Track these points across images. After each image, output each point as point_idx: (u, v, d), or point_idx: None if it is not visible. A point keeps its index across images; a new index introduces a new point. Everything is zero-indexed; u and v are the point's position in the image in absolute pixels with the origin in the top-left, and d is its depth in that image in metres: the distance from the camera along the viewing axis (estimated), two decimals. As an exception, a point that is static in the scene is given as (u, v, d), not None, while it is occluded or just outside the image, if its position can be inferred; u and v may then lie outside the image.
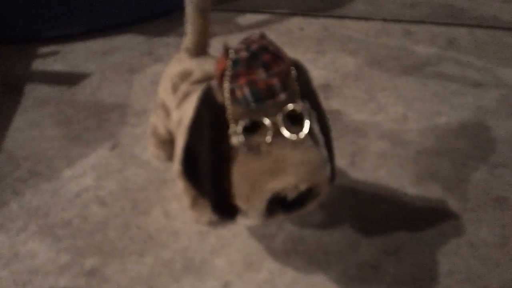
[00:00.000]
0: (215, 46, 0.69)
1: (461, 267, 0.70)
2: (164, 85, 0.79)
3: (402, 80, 1.14)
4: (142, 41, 1.37)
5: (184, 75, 0.75)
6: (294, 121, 0.56)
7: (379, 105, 1.05)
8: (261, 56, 0.54)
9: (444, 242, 0.73)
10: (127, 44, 1.36)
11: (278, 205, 0.56)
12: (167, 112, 0.80)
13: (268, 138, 0.54)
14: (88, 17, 1.41)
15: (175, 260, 0.72)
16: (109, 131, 1.00)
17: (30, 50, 1.35)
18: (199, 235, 0.76)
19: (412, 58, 1.24)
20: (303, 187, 0.54)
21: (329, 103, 1.06)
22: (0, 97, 1.14)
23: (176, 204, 0.81)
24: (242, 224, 0.77)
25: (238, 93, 0.55)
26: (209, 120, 0.57)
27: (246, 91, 0.54)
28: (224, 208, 0.62)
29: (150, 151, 0.91)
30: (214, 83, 0.58)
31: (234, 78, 0.55)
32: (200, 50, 0.78)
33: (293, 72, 0.57)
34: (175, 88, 0.76)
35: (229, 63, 0.55)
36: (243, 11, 1.56)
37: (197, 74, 0.74)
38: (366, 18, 1.47)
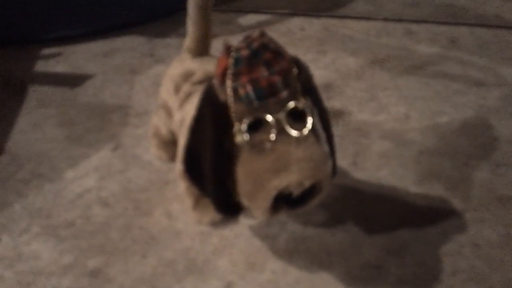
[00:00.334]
0: (217, 46, 0.69)
1: (465, 267, 0.69)
2: (166, 86, 0.79)
3: (403, 79, 1.14)
4: (143, 42, 1.38)
5: (186, 76, 0.75)
6: (296, 118, 0.56)
7: (381, 104, 1.05)
8: (262, 54, 0.54)
9: (447, 241, 0.73)
10: (128, 45, 1.36)
11: (282, 202, 0.56)
12: (169, 113, 0.80)
13: (272, 136, 0.54)
14: (89, 19, 1.41)
15: (177, 261, 0.72)
16: (111, 132, 1.00)
17: (32, 51, 1.35)
18: (201, 235, 0.76)
19: (413, 58, 1.23)
20: (307, 183, 0.54)
21: (330, 103, 1.06)
22: (3, 99, 1.15)
23: (178, 205, 0.81)
24: (244, 224, 0.77)
25: (241, 92, 0.55)
26: (211, 118, 0.57)
27: (249, 89, 0.54)
28: (227, 207, 0.62)
29: (152, 152, 0.91)
30: (215, 81, 0.58)
31: (236, 76, 0.55)
32: (201, 50, 0.78)
33: (294, 69, 0.57)
34: (177, 89, 0.76)
35: (230, 61, 0.55)
36: (244, 11, 1.56)
37: (199, 75, 0.74)
38: (367, 18, 1.47)
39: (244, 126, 0.55)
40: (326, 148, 0.60)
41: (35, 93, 1.16)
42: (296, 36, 1.37)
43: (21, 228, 0.79)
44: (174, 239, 0.76)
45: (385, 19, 1.45)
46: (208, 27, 0.77)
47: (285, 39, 1.35)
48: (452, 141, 0.94)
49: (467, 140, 0.94)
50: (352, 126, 0.99)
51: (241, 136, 0.55)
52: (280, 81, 0.55)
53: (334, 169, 0.66)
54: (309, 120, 0.56)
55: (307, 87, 0.59)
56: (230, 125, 0.56)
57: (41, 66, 1.28)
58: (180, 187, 0.76)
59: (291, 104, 0.55)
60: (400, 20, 1.44)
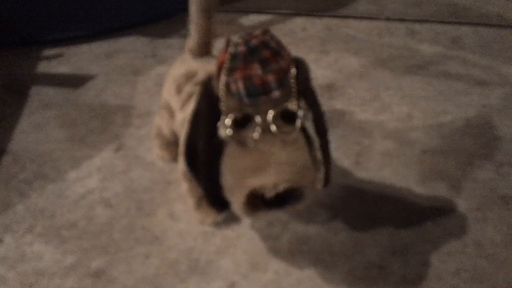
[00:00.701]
0: (219, 47, 0.69)
1: (468, 266, 0.69)
2: (168, 87, 0.79)
3: (406, 79, 1.14)
4: (145, 43, 1.38)
5: (188, 76, 0.75)
6: (288, 120, 0.55)
7: (384, 104, 1.05)
8: (260, 52, 0.54)
9: (450, 241, 0.73)
10: (130, 46, 1.36)
11: (260, 201, 0.55)
12: (171, 113, 0.80)
13: (256, 134, 0.54)
14: (91, 20, 1.41)
15: (180, 261, 0.72)
16: (113, 133, 1.00)
17: (35, 52, 1.35)
18: (204, 236, 0.76)
19: (416, 57, 1.23)
20: (282, 187, 0.53)
21: (333, 103, 1.06)
22: (5, 100, 1.15)
23: (181, 205, 0.81)
24: (247, 224, 0.77)
25: (233, 87, 0.55)
26: (206, 111, 0.57)
27: (241, 85, 0.54)
28: (218, 199, 0.61)
29: (155, 153, 0.91)
30: (214, 75, 0.58)
31: (231, 71, 0.55)
32: (203, 50, 0.78)
33: (293, 70, 0.56)
34: (179, 89, 0.76)
35: (228, 56, 0.55)
36: (246, 11, 1.56)
37: (201, 75, 0.74)
38: (370, 18, 1.46)
39: (228, 121, 0.55)
40: (317, 154, 0.59)
41: (38, 94, 1.16)
42: (298, 36, 1.37)
43: (23, 229, 0.79)
44: (177, 240, 0.75)
45: (388, 19, 1.45)
46: (210, 28, 0.77)
47: (287, 39, 1.35)
48: (455, 141, 0.93)
49: (470, 139, 0.94)
50: (355, 125, 0.99)
51: (224, 130, 0.55)
52: (273, 81, 0.54)
53: (327, 177, 0.65)
54: (298, 123, 0.55)
55: (304, 89, 0.58)
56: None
57: (43, 67, 1.29)
58: (182, 187, 0.76)
59: (283, 105, 0.55)
60: (402, 20, 1.44)
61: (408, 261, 0.70)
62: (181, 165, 0.72)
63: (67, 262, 0.73)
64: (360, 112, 1.03)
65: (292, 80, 0.56)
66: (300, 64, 0.57)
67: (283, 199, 0.55)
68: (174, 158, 0.87)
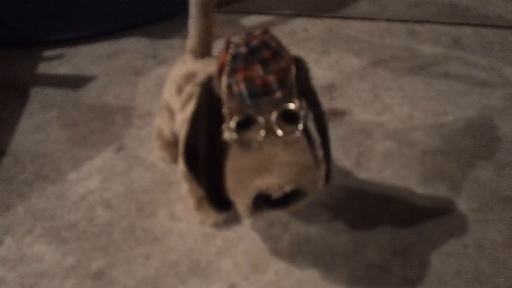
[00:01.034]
0: (219, 47, 0.69)
1: (469, 268, 0.69)
2: (168, 87, 0.79)
3: (407, 80, 1.14)
4: (146, 43, 1.38)
5: (188, 77, 0.75)
6: (289, 120, 0.55)
7: (385, 105, 1.05)
8: (260, 52, 0.54)
9: (451, 242, 0.73)
10: (131, 47, 1.36)
11: (264, 201, 0.55)
12: (172, 114, 0.80)
13: (260, 136, 0.54)
14: (92, 21, 1.41)
15: (181, 262, 0.72)
16: (114, 134, 1.00)
17: (35, 53, 1.36)
18: (204, 236, 0.76)
19: (417, 58, 1.23)
20: (287, 188, 0.53)
21: (334, 104, 1.06)
22: (6, 101, 1.15)
23: (181, 206, 0.81)
24: (247, 225, 0.77)
25: (235, 88, 0.55)
26: (207, 112, 0.57)
27: (242, 86, 0.54)
28: (219, 200, 0.61)
29: (155, 153, 0.91)
30: (215, 76, 0.58)
31: (232, 72, 0.55)
32: (204, 51, 0.78)
33: (293, 70, 0.56)
34: (179, 90, 0.76)
35: (228, 57, 0.55)
36: (247, 12, 1.56)
37: (201, 76, 0.74)
38: (371, 18, 1.46)
39: (232, 124, 0.55)
40: (318, 153, 0.59)
41: (38, 95, 1.16)
42: (299, 36, 1.37)
43: (24, 230, 0.79)
44: (177, 240, 0.75)
45: (389, 20, 1.45)
46: (211, 29, 0.77)
47: (288, 40, 1.35)
48: (456, 141, 0.93)
49: (471, 140, 0.93)
50: (356, 126, 0.99)
51: (229, 133, 0.55)
52: (275, 81, 0.54)
53: (328, 175, 0.65)
54: (300, 124, 0.55)
55: (304, 89, 0.58)
56: (223, 120, 0.56)
57: (44, 68, 1.29)
58: (183, 188, 0.76)
59: (285, 105, 0.55)
60: (403, 21, 1.44)
61: (409, 261, 0.70)
62: (181, 165, 0.72)
63: (67, 263, 0.73)
64: (361, 113, 1.03)
65: (293, 80, 0.56)
66: (300, 64, 0.58)
67: (286, 198, 0.55)
68: (175, 159, 0.87)
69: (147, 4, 1.46)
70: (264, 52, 0.54)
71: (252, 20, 1.50)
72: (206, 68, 0.74)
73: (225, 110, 0.55)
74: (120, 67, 1.26)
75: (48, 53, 1.36)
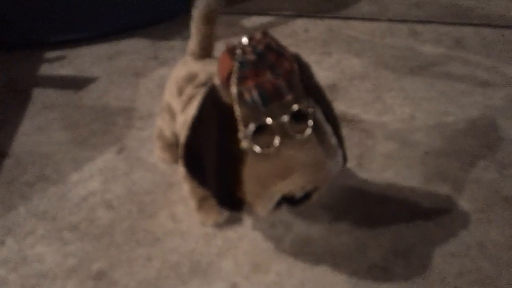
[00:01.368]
0: (220, 48, 0.69)
1: (471, 268, 0.69)
2: (169, 89, 0.79)
3: (409, 80, 1.14)
4: (147, 45, 1.38)
5: (189, 78, 0.75)
6: (298, 119, 0.56)
7: (386, 105, 1.05)
8: (267, 57, 0.55)
9: (453, 243, 0.73)
10: (132, 48, 1.36)
11: (284, 201, 0.59)
12: (173, 115, 0.80)
13: (276, 142, 0.55)
14: (93, 22, 1.41)
15: (182, 263, 0.72)
16: (115, 135, 1.00)
17: (37, 55, 1.36)
18: (205, 237, 0.76)
19: (418, 58, 1.23)
20: (309, 187, 0.56)
21: (335, 104, 1.05)
22: (8, 102, 1.15)
23: (182, 207, 0.81)
24: (248, 225, 0.77)
25: (246, 96, 0.55)
26: (216, 120, 0.58)
27: (255, 93, 0.54)
28: (230, 202, 0.62)
29: (156, 154, 0.91)
30: (218, 82, 0.58)
31: (242, 80, 0.55)
32: (205, 53, 0.78)
33: (296, 68, 0.57)
34: (180, 92, 0.76)
35: (236, 64, 0.55)
36: (248, 13, 1.56)
37: (202, 77, 0.74)
38: (372, 19, 1.46)
39: (249, 132, 0.55)
40: (333, 140, 0.61)
41: (40, 96, 1.16)
42: (300, 37, 1.37)
43: (25, 231, 0.79)
44: (178, 241, 0.75)
45: (390, 20, 1.45)
46: (212, 30, 0.77)
47: (289, 40, 1.35)
48: (458, 142, 0.93)
49: (473, 140, 0.93)
50: (357, 127, 0.98)
51: (247, 142, 0.56)
52: (284, 85, 0.55)
53: (344, 157, 0.67)
54: (310, 123, 0.57)
55: (309, 85, 0.59)
56: (235, 128, 0.57)
57: (45, 70, 1.29)
58: (184, 189, 0.75)
59: (295, 107, 0.56)
60: (404, 21, 1.44)
61: (411, 262, 0.70)
62: (182, 167, 0.72)
63: (68, 265, 0.73)
64: (363, 113, 1.02)
65: (298, 80, 0.57)
66: (300, 61, 0.59)
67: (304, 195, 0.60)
68: (176, 160, 0.87)
69: (148, 5, 1.46)
70: (270, 56, 0.55)
71: (253, 21, 1.50)
72: (207, 69, 0.74)
73: (238, 119, 0.56)
74: (121, 69, 1.26)
75: (49, 54, 1.36)
